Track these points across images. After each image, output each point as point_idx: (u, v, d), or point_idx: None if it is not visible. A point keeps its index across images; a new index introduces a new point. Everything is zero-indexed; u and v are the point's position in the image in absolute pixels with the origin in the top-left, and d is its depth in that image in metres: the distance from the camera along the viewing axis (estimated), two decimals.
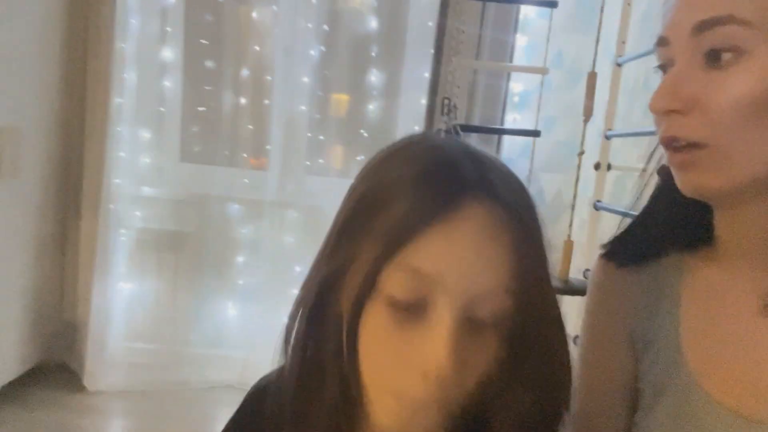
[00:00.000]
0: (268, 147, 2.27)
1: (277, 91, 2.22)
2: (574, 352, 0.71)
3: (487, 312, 0.46)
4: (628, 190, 1.84)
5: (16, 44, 1.78)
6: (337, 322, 0.50)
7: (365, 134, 2.29)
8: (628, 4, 1.69)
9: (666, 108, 0.53)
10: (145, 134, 2.22)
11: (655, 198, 0.66)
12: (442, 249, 0.45)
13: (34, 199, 1.97)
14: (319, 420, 0.53)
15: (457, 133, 1.61)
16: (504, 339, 0.48)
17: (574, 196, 1.57)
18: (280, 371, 0.58)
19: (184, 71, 2.25)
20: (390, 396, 0.48)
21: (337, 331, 0.50)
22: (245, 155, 2.30)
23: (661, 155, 0.65)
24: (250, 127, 2.28)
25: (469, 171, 0.48)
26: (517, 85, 2.17)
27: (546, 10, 1.93)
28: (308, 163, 2.30)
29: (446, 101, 1.63)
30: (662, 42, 0.56)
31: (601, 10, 1.54)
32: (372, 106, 2.28)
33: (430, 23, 2.08)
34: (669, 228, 0.64)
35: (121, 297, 2.16)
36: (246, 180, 2.29)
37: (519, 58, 2.12)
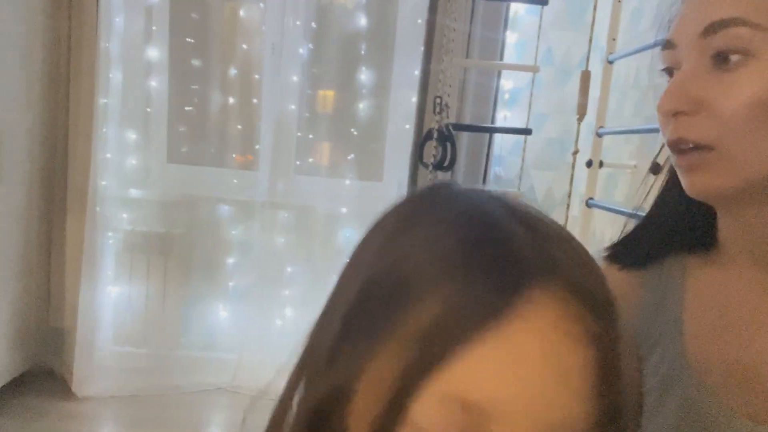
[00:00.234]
0: (257, 146, 2.24)
1: (266, 89, 2.19)
2: None
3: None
4: (620, 186, 1.85)
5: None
6: None
7: (355, 133, 2.28)
8: (619, 2, 1.69)
9: (674, 109, 0.53)
10: (132, 135, 2.18)
11: (661, 199, 0.65)
12: (499, 366, 0.32)
13: (18, 202, 1.92)
14: None
15: (449, 132, 1.60)
16: None
17: (569, 195, 1.57)
18: None
19: (171, 70, 2.21)
20: None
21: None
22: (234, 155, 2.28)
23: (661, 154, 0.65)
24: (239, 126, 2.25)
25: (526, 247, 0.34)
26: (508, 82, 2.17)
27: (535, 7, 1.93)
28: (298, 162, 2.28)
29: (438, 100, 1.62)
30: (668, 45, 0.56)
31: (594, 8, 1.53)
32: (362, 105, 2.26)
33: (420, 21, 2.07)
34: (673, 230, 0.63)
35: (109, 301, 2.13)
36: (235, 180, 2.26)
37: (509, 56, 2.12)
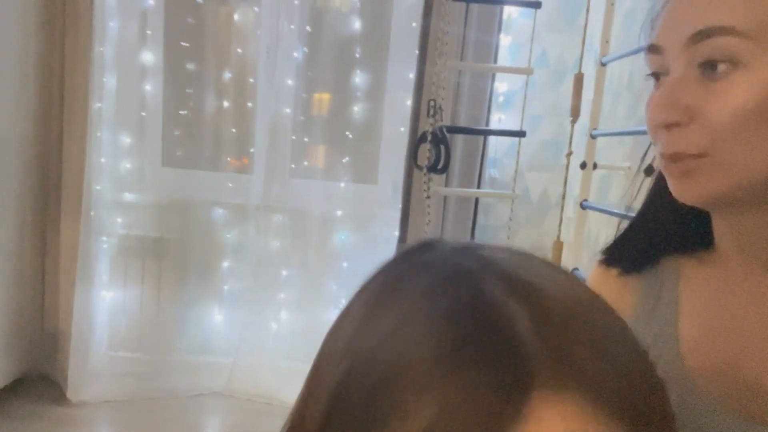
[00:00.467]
0: (252, 150, 2.24)
1: (261, 93, 2.19)
2: None
3: None
4: (614, 188, 1.85)
5: None
6: None
7: (350, 136, 2.28)
8: (612, 4, 1.70)
9: (665, 121, 0.53)
10: (126, 139, 2.18)
11: (651, 202, 0.65)
12: None
13: (12, 207, 1.92)
14: None
15: (443, 134, 1.60)
16: None
17: (563, 197, 1.57)
18: None
19: (165, 74, 2.21)
20: None
21: None
22: (229, 159, 2.27)
23: (652, 156, 0.65)
24: (234, 130, 2.25)
25: (530, 341, 0.27)
26: (502, 84, 2.17)
27: (529, 10, 1.93)
28: (293, 165, 2.28)
29: (431, 103, 1.62)
30: (654, 50, 0.55)
31: (587, 11, 1.54)
32: (357, 108, 2.26)
33: (414, 24, 2.07)
34: (667, 233, 0.64)
35: (104, 305, 2.12)
36: (230, 184, 2.26)
37: (503, 58, 2.12)
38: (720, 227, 0.60)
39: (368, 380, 0.29)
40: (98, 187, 2.04)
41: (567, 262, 1.70)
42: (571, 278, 0.31)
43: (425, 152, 1.67)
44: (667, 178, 0.56)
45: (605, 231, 1.75)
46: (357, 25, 2.21)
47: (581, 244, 1.74)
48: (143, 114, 2.21)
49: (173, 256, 2.19)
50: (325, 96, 2.34)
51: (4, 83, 1.83)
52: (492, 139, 2.14)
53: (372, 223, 2.20)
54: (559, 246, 1.57)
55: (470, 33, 2.01)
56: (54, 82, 1.99)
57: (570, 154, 1.53)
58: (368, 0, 2.22)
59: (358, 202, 2.24)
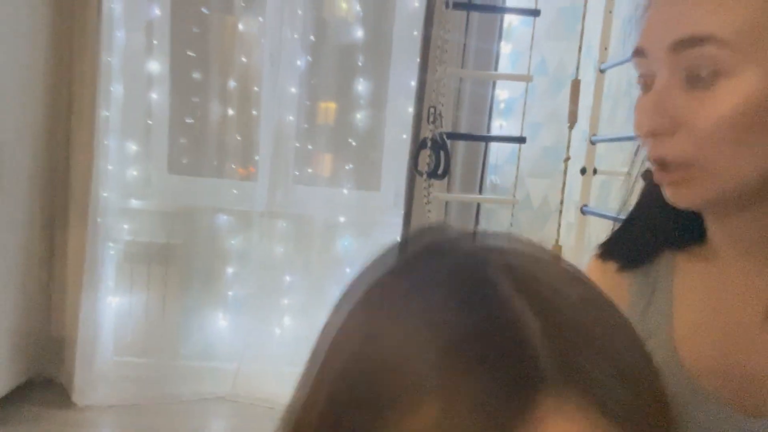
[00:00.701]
0: (256, 157, 2.27)
1: (265, 101, 2.22)
2: None
3: None
4: (614, 193, 1.86)
5: (1, 58, 1.78)
6: None
7: (353, 143, 2.30)
8: (609, 12, 1.72)
9: (652, 130, 0.53)
10: (133, 146, 2.21)
11: (644, 200, 0.66)
12: None
13: (21, 213, 1.95)
14: None
15: (443, 141, 1.62)
16: None
17: (561, 202, 1.58)
18: None
19: (171, 83, 2.25)
20: None
21: None
22: (233, 166, 2.30)
23: (645, 158, 0.66)
24: (238, 137, 2.28)
25: (539, 344, 0.26)
26: (503, 92, 2.19)
27: (529, 18, 1.96)
28: (297, 172, 2.31)
29: (432, 110, 1.64)
30: (639, 53, 0.56)
31: (583, 18, 1.56)
32: (359, 115, 2.29)
33: (416, 32, 2.10)
34: (661, 229, 0.65)
35: (110, 311, 2.15)
36: (234, 190, 2.29)
37: (504, 66, 2.15)
38: (712, 225, 0.61)
39: (370, 372, 0.28)
40: (105, 194, 2.07)
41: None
42: (579, 276, 0.30)
43: (425, 158, 1.70)
44: (660, 184, 0.57)
45: (605, 236, 1.76)
46: (359, 33, 2.25)
47: (582, 249, 1.75)
48: (150, 122, 2.24)
49: (178, 262, 2.22)
50: (329, 104, 2.37)
51: (14, 92, 1.87)
52: (493, 146, 2.16)
53: (374, 229, 2.22)
54: (557, 249, 1.58)
55: (471, 41, 2.04)
56: (62, 90, 2.03)
57: (567, 159, 1.55)
58: (370, 9, 2.25)
59: (360, 209, 2.26)
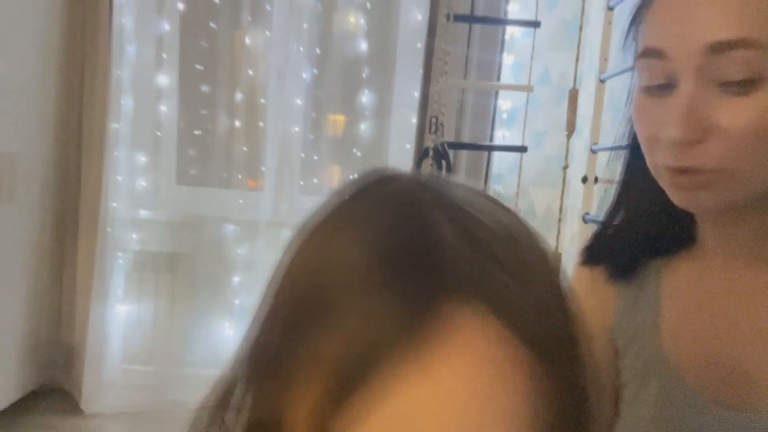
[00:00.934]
0: (262, 168, 2.30)
1: (271, 113, 2.26)
2: None
3: None
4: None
5: (15, 72, 1.83)
6: None
7: (358, 153, 2.33)
8: (609, 23, 1.74)
9: (687, 138, 0.50)
10: (142, 158, 2.26)
11: (630, 207, 0.65)
12: (415, 393, 0.27)
13: (32, 223, 1.99)
14: None
15: (444, 150, 1.64)
16: None
17: (560, 209, 1.60)
18: None
19: (180, 96, 2.30)
20: None
21: None
22: (240, 176, 2.34)
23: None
24: (245, 149, 2.32)
25: (455, 255, 0.29)
26: (506, 102, 2.22)
27: (531, 30, 1.98)
28: (302, 183, 2.34)
29: (433, 120, 1.67)
30: (654, 54, 0.52)
31: (580, 29, 1.59)
32: (364, 126, 2.32)
33: (419, 44, 2.14)
34: (650, 236, 0.64)
35: (119, 319, 2.18)
36: (241, 201, 2.32)
37: (506, 76, 2.17)
38: (707, 227, 0.61)
39: (302, 290, 0.31)
40: (115, 205, 2.11)
41: (568, 273, 1.72)
42: (512, 215, 0.33)
43: (427, 167, 1.72)
44: (671, 188, 0.55)
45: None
46: (364, 46, 2.29)
47: None
48: (159, 134, 2.28)
49: (186, 271, 2.25)
50: (334, 116, 2.40)
51: (27, 104, 1.92)
52: (496, 155, 2.17)
53: None
54: (557, 257, 1.59)
55: (473, 52, 2.07)
56: (74, 103, 2.08)
57: (566, 167, 1.57)
58: (375, 22, 2.29)
59: None
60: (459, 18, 1.84)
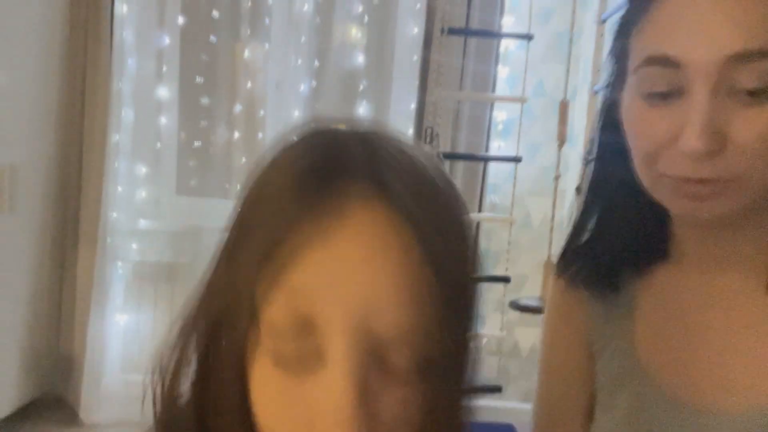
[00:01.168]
0: None
1: (270, 125, 2.29)
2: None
3: (389, 328, 0.36)
4: None
5: (16, 83, 1.86)
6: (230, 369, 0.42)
7: None
8: (601, 35, 1.78)
9: (707, 150, 0.50)
10: (142, 169, 2.28)
11: (604, 221, 0.65)
12: (317, 257, 0.36)
13: (32, 233, 2.01)
14: None
15: (439, 160, 1.67)
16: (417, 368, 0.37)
17: (552, 218, 1.62)
18: None
19: (180, 108, 2.32)
20: None
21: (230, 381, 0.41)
22: (239, 187, 2.36)
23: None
24: (244, 160, 2.34)
25: (353, 154, 0.39)
26: (501, 113, 2.24)
27: (524, 42, 2.02)
28: None
29: (428, 130, 1.70)
30: (664, 62, 0.51)
31: (570, 42, 1.62)
32: None
33: (415, 57, 2.17)
34: (626, 250, 0.64)
35: (118, 329, 2.18)
36: None
37: (501, 88, 2.20)
38: (682, 234, 0.62)
39: (246, 206, 0.42)
40: (115, 215, 2.12)
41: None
42: (431, 162, 0.42)
43: None
44: (678, 198, 0.54)
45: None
46: (361, 59, 2.32)
47: None
48: (159, 145, 2.31)
49: (185, 280, 2.26)
50: None
51: (28, 116, 1.95)
52: (492, 166, 2.20)
53: None
54: (549, 265, 1.61)
55: (469, 65, 2.10)
56: (75, 115, 2.10)
57: (558, 177, 1.59)
58: (372, 35, 2.32)
59: None
60: (454, 31, 1.87)
